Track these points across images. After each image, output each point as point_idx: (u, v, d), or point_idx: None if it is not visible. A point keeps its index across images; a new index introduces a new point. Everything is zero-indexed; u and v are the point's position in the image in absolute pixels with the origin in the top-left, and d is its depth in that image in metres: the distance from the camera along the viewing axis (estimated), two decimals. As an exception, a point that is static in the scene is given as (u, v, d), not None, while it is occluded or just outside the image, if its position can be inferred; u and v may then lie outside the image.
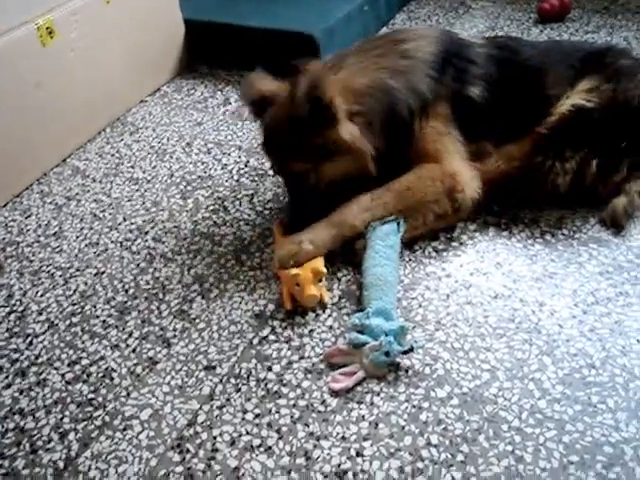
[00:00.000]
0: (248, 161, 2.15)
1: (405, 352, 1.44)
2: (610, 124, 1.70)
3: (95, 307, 1.72)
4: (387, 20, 2.75)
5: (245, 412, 1.42)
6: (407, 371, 1.45)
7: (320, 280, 1.59)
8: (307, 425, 1.38)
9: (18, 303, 1.77)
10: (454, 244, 1.75)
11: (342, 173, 1.65)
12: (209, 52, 2.65)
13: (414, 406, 1.38)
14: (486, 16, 2.77)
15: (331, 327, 1.57)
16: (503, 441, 1.30)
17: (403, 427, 1.35)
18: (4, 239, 1.98)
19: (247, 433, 1.38)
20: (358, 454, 1.31)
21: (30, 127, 2.10)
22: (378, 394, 1.42)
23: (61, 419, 1.47)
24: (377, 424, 1.36)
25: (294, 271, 1.56)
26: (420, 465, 1.28)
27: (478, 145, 1.73)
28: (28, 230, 2.01)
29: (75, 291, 1.78)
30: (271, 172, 1.98)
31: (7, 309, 1.76)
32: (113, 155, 2.27)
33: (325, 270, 1.59)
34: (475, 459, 1.28)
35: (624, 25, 2.63)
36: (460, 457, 1.28)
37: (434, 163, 1.67)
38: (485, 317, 1.56)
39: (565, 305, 1.56)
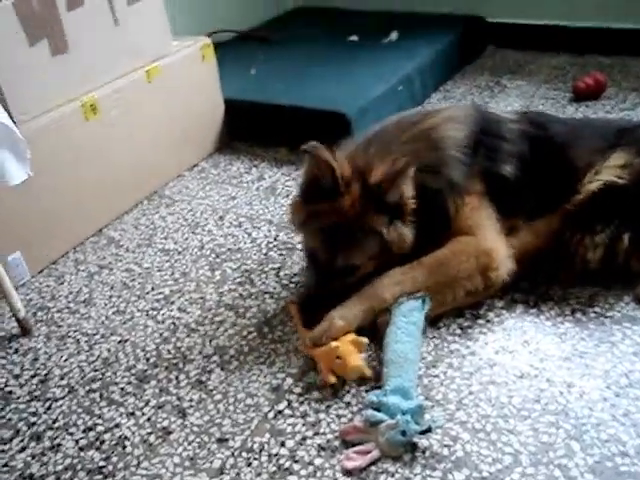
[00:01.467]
0: (277, 235, 2.17)
1: (423, 432, 1.37)
2: (643, 199, 1.66)
3: (116, 374, 1.72)
4: (422, 100, 2.80)
5: (254, 489, 1.38)
6: (424, 452, 1.38)
7: (361, 352, 1.56)
8: (315, 508, 1.32)
9: (42, 367, 1.79)
10: (480, 321, 1.70)
11: (385, 262, 1.65)
12: (247, 130, 2.73)
13: (432, 488, 1.31)
14: (521, 95, 2.78)
15: (349, 403, 1.52)
16: (524, 533, 1.22)
17: (417, 514, 1.28)
18: (36, 304, 2.02)
19: (251, 515, 1.33)
20: (369, 540, 1.24)
21: (69, 198, 2.19)
22: (393, 475, 1.35)
23: (69, 486, 1.46)
24: (391, 507, 1.29)
25: (334, 344, 1.53)
26: None
27: (509, 221, 1.71)
28: (60, 296, 2.05)
29: (98, 357, 1.79)
30: (303, 251, 1.91)
31: (31, 372, 1.78)
32: (147, 227, 2.32)
33: (367, 340, 1.56)
34: None
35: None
36: None
37: (469, 236, 1.65)
38: (509, 397, 1.48)
39: (596, 387, 1.47)
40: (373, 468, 1.37)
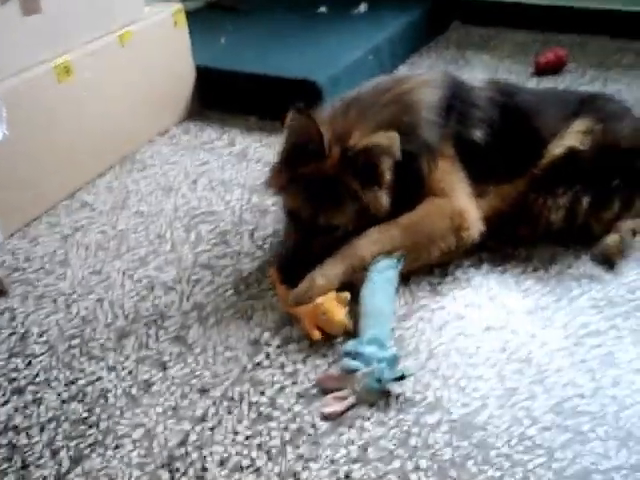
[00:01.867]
0: (250, 198, 2.21)
1: (396, 379, 1.46)
2: (601, 164, 1.77)
3: (95, 331, 1.76)
4: (390, 71, 2.85)
5: (236, 434, 1.43)
6: (397, 397, 1.46)
7: (344, 307, 1.61)
8: (297, 447, 1.38)
9: (20, 325, 1.81)
10: (448, 278, 1.78)
11: (362, 223, 1.70)
12: (218, 97, 2.75)
13: (403, 431, 1.39)
14: (485, 68, 2.86)
15: (325, 354, 1.59)
16: (492, 467, 1.30)
17: (392, 451, 1.36)
18: (11, 265, 2.03)
19: (237, 454, 1.39)
20: (347, 477, 1.32)
21: (41, 161, 2.18)
22: (368, 419, 1.43)
23: (54, 436, 1.49)
24: (366, 448, 1.37)
25: (319, 300, 1.59)
26: (408, 491, 1.28)
27: (479, 185, 1.78)
28: (34, 257, 2.06)
29: (76, 315, 1.82)
30: (283, 214, 1.92)
31: (9, 330, 1.80)
32: (121, 190, 2.34)
33: (349, 295, 1.62)
34: (463, 484, 1.28)
35: (617, 79, 2.72)
36: (447, 482, 1.29)
37: (442, 198, 1.73)
38: (477, 347, 1.57)
39: (556, 337, 1.58)
40: (349, 413, 1.44)
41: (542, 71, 2.72)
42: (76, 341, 1.73)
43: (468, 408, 1.43)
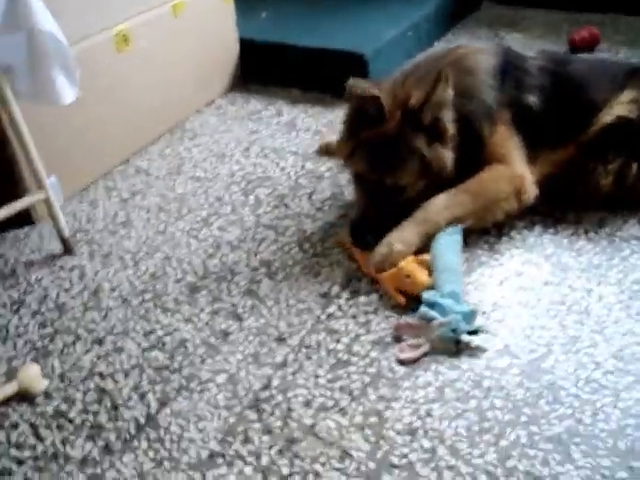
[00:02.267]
0: (304, 165, 2.29)
1: (471, 332, 1.55)
2: (650, 132, 1.86)
3: (166, 286, 1.84)
4: (427, 47, 2.92)
5: (317, 377, 1.52)
6: (467, 345, 1.56)
7: (425, 269, 1.68)
8: (377, 389, 1.48)
9: (91, 281, 1.89)
10: (504, 239, 1.87)
11: (428, 186, 1.78)
12: (261, 70, 2.81)
13: (477, 374, 1.48)
14: (520, 46, 2.92)
15: (394, 307, 1.68)
16: (563, 405, 1.40)
17: (468, 392, 1.45)
18: (74, 227, 2.10)
19: (320, 395, 1.48)
20: (428, 414, 1.41)
21: (99, 127, 2.25)
22: (442, 363, 1.52)
23: (139, 382, 1.57)
24: (443, 389, 1.46)
25: (402, 264, 1.67)
26: (486, 425, 1.37)
27: (533, 149, 1.87)
28: (96, 219, 2.13)
29: (145, 272, 1.90)
30: (351, 182, 2.01)
31: (80, 286, 1.88)
32: (174, 157, 2.41)
33: (429, 257, 1.70)
34: (537, 420, 1.37)
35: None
36: (523, 418, 1.38)
37: (502, 164, 1.81)
38: (538, 300, 1.67)
39: (612, 292, 1.67)
40: (425, 359, 1.54)
41: (576, 49, 2.79)
42: (149, 295, 1.81)
43: (535, 354, 1.52)
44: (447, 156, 1.77)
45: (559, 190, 1.91)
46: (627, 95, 1.90)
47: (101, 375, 1.59)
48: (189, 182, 2.26)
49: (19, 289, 1.89)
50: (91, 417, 1.49)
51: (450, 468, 1.30)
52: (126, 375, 1.59)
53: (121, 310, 1.77)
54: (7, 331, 1.76)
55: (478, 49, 1.93)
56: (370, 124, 1.77)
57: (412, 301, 1.66)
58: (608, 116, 1.88)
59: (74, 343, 1.69)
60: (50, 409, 1.52)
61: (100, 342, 1.69)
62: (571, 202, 1.94)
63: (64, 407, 1.52)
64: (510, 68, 1.89)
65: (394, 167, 1.75)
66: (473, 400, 1.43)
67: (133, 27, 2.27)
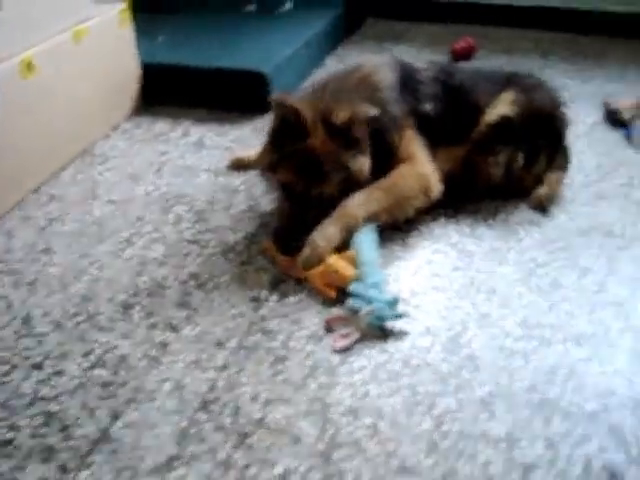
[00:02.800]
0: (217, 180, 2.38)
1: (395, 317, 1.70)
2: (528, 126, 2.12)
3: (98, 306, 1.86)
4: (320, 63, 3.11)
5: (259, 375, 1.61)
6: (392, 329, 1.71)
7: (351, 263, 1.81)
8: (317, 378, 1.59)
9: (20, 310, 1.87)
10: (414, 232, 2.06)
11: (347, 190, 1.92)
12: (164, 92, 2.88)
13: (404, 355, 1.63)
14: (406, 58, 3.16)
15: (324, 302, 1.81)
16: (482, 372, 1.57)
17: (398, 371, 1.59)
18: (-8, 259, 2.09)
19: (265, 390, 1.56)
20: (365, 395, 1.54)
21: (6, 155, 2.23)
22: (373, 348, 1.66)
23: (86, 400, 1.58)
24: (376, 371, 1.60)
25: (330, 260, 1.80)
26: (419, 397, 1.52)
27: (434, 149, 2.07)
28: (14, 249, 2.11)
29: (75, 295, 1.90)
30: (266, 193, 2.18)
31: (9, 316, 1.85)
32: (87, 182, 2.42)
33: (354, 252, 1.83)
34: (462, 387, 1.54)
35: (520, 62, 3.13)
36: (450, 388, 1.54)
37: (411, 164, 2.00)
38: (449, 284, 1.85)
39: (512, 271, 1.89)
40: (356, 346, 1.67)
41: (457, 57, 3.07)
42: (82, 317, 1.83)
43: (453, 331, 1.70)
44: (366, 165, 1.93)
45: (458, 184, 2.11)
46: (507, 97, 2.15)
47: (45, 399, 1.60)
48: (106, 205, 2.29)
49: (-59, 326, 1.86)
50: (41, 441, 1.50)
51: (392, 439, 1.43)
52: (71, 396, 1.60)
53: (56, 334, 1.78)
54: None
55: (379, 65, 2.11)
56: (293, 137, 1.89)
57: (341, 294, 1.79)
58: (492, 116, 2.12)
59: (11, 372, 1.68)
60: (-4, 439, 1.53)
61: (39, 367, 1.69)
62: (469, 194, 2.16)
63: (10, 435, 1.52)
64: (408, 81, 2.09)
65: (320, 179, 1.88)
66: (404, 378, 1.57)
67: (36, 54, 2.28)
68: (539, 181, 2.15)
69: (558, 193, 2.18)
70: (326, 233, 1.87)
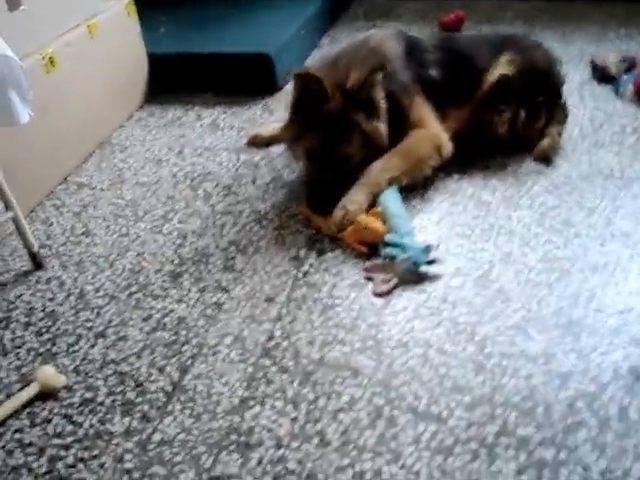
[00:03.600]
0: (239, 158, 2.52)
1: (429, 263, 1.87)
2: (527, 84, 2.29)
3: (148, 277, 1.99)
4: (317, 44, 3.25)
5: (312, 322, 1.76)
6: (427, 273, 1.87)
7: (379, 219, 1.97)
8: (365, 320, 1.75)
9: (73, 288, 1.99)
10: (431, 188, 2.22)
11: (370, 154, 2.09)
12: (170, 81, 3.00)
13: (441, 293, 1.80)
14: (397, 33, 3.36)
15: (357, 257, 1.96)
16: (513, 302, 1.75)
17: (438, 307, 1.76)
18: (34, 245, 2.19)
19: (319, 334, 1.72)
20: (412, 329, 1.70)
21: (33, 148, 2.32)
22: (412, 290, 1.82)
23: (153, 359, 1.72)
24: (418, 309, 1.76)
25: (359, 218, 1.96)
26: (460, 328, 1.69)
27: (442, 111, 2.24)
28: (55, 235, 2.23)
29: (124, 270, 2.03)
30: (295, 162, 2.34)
31: (64, 294, 1.97)
32: (112, 169, 2.55)
33: (380, 209, 2.00)
34: (498, 316, 1.71)
35: (506, 30, 3.26)
36: (486, 318, 1.71)
37: (422, 128, 2.16)
38: (471, 231, 2.02)
39: (526, 215, 2.07)
40: (396, 290, 1.83)
41: (446, 30, 3.23)
42: (134, 288, 1.96)
43: (481, 270, 1.87)
44: (382, 128, 2.09)
45: (467, 142, 2.28)
46: (505, 57, 2.32)
47: (114, 362, 1.73)
48: (135, 188, 2.41)
49: (1, 308, 1.97)
50: (119, 397, 1.64)
51: (442, 364, 1.60)
52: (139, 357, 1.73)
53: (112, 306, 1.91)
54: (3, 346, 1.84)
55: (386, 36, 2.27)
56: (315, 105, 2.05)
57: (373, 249, 1.96)
58: (493, 76, 2.30)
59: (77, 342, 1.81)
60: (77, 399, 1.63)
61: (103, 335, 1.81)
62: (478, 151, 2.33)
63: (89, 395, 1.64)
64: (412, 50, 2.26)
65: (341, 140, 2.04)
66: (444, 312, 1.74)
67: (57, 50, 2.39)
68: (541, 135, 2.33)
69: (559, 144, 2.36)
70: (354, 198, 2.03)
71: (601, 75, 2.81)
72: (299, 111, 2.10)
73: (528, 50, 2.36)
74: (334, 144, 2.05)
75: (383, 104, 2.08)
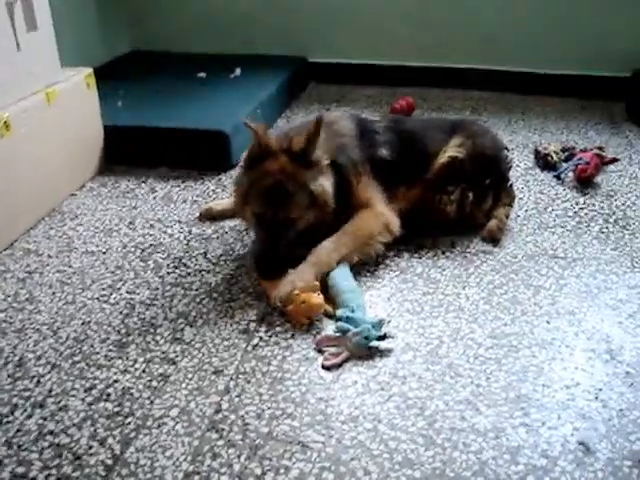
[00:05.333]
0: (191, 230, 2.52)
1: (380, 338, 1.86)
2: (476, 167, 2.40)
3: (93, 346, 1.93)
4: (271, 123, 3.34)
5: (261, 395, 1.73)
6: (377, 348, 1.87)
7: (317, 292, 1.97)
8: (315, 394, 1.72)
9: (12, 355, 1.91)
10: (382, 266, 2.25)
11: (314, 221, 2.12)
12: (127, 153, 3.02)
13: (391, 368, 1.80)
14: (349, 117, 3.49)
15: (307, 330, 1.96)
16: (463, 377, 1.76)
17: (388, 382, 1.75)
18: (-25, 311, 2.11)
19: (269, 408, 1.68)
20: (362, 404, 1.68)
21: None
22: (362, 365, 1.82)
23: (94, 430, 1.65)
24: (368, 384, 1.75)
25: (295, 292, 1.96)
26: (410, 402, 1.68)
27: (392, 190, 2.31)
28: (-3, 301, 2.16)
29: (67, 338, 1.97)
30: (245, 224, 2.38)
31: (1, 361, 1.89)
32: (61, 237, 2.50)
33: (317, 283, 2.01)
34: (447, 391, 1.71)
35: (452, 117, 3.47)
36: (436, 392, 1.71)
37: (369, 208, 2.22)
38: (421, 306, 2.05)
39: (475, 292, 2.11)
40: (346, 364, 1.82)
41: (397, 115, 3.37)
42: (78, 357, 1.89)
43: (431, 345, 1.88)
44: (328, 187, 2.13)
45: (417, 221, 2.34)
46: (455, 141, 2.44)
47: (52, 433, 1.64)
48: (84, 256, 2.37)
49: None
50: (54, 471, 1.55)
51: (392, 439, 1.58)
52: (79, 428, 1.65)
53: (53, 375, 1.83)
54: None
55: (340, 116, 2.37)
56: (260, 163, 2.10)
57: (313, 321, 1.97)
58: (443, 158, 2.39)
59: (12, 412, 1.72)
60: (6, 474, 1.54)
61: (41, 405, 1.73)
62: (427, 230, 2.39)
63: (21, 470, 1.55)
64: (364, 130, 2.35)
65: (285, 202, 2.07)
66: (394, 387, 1.73)
67: (13, 114, 2.39)
68: (489, 216, 2.43)
69: (506, 226, 2.45)
70: (302, 276, 2.03)
71: (544, 162, 2.97)
72: (250, 164, 2.15)
73: (477, 135, 2.48)
74: (278, 206, 2.07)
75: (327, 161, 2.13)
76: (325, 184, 2.13)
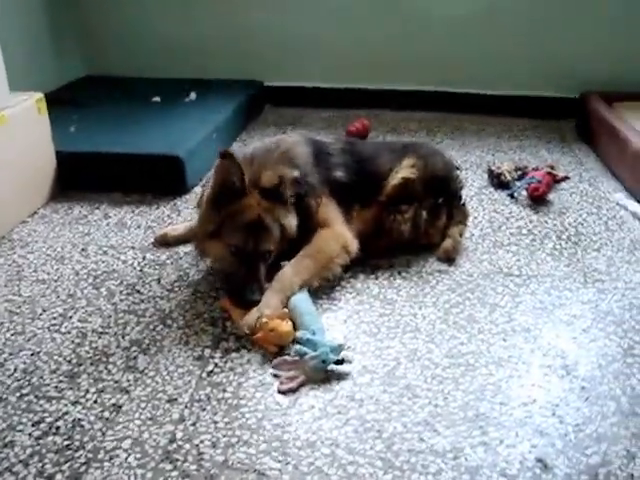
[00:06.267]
0: (145, 256, 2.47)
1: (338, 362, 1.85)
2: (428, 186, 2.42)
3: (42, 378, 1.87)
4: (228, 147, 3.31)
5: (216, 423, 1.69)
6: (334, 371, 1.85)
7: (285, 320, 1.96)
8: (271, 420, 1.69)
9: (-46, 390, 1.85)
10: (338, 288, 2.24)
11: (281, 246, 2.15)
12: (80, 178, 2.96)
13: (348, 391, 1.78)
14: (306, 140, 3.50)
15: (264, 355, 1.93)
16: (420, 398, 1.75)
17: (345, 405, 1.73)
18: None
19: (224, 436, 1.65)
20: (319, 429, 1.66)
21: None
22: (318, 389, 1.79)
23: (42, 466, 1.59)
24: (325, 408, 1.73)
25: (263, 320, 1.93)
26: (368, 425, 1.66)
27: (348, 212, 2.32)
28: (-60, 333, 2.08)
29: (15, 370, 1.90)
30: (202, 260, 2.37)
31: (-57, 397, 1.83)
32: (10, 265, 2.43)
33: (287, 310, 2.00)
34: (405, 412, 1.70)
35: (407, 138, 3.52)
36: (394, 414, 1.70)
37: (327, 227, 2.23)
38: (377, 328, 2.04)
39: (431, 312, 2.12)
40: (303, 389, 1.80)
41: (353, 137, 3.39)
42: (26, 390, 1.83)
43: (388, 367, 1.87)
44: (294, 222, 2.17)
45: (372, 242, 2.34)
46: (407, 162, 2.46)
47: (-5, 471, 1.59)
48: (34, 285, 2.30)
49: None
50: (-1, 514, 1.50)
51: (351, 463, 1.56)
52: (25, 465, 1.59)
53: (0, 409, 1.78)
54: None
55: (295, 142, 2.37)
56: (232, 198, 2.08)
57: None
58: (396, 179, 2.41)
59: (-46, 452, 1.66)
60: (-53, 519, 1.49)
61: (-15, 442, 1.68)
62: (383, 251, 2.39)
63: (-38, 512, 1.50)
64: (320, 153, 2.36)
65: (264, 235, 2.09)
66: (352, 410, 1.72)
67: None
68: (443, 235, 2.44)
69: (461, 245, 2.47)
70: (269, 303, 2.03)
71: (497, 182, 3.01)
72: (215, 204, 2.12)
73: (428, 156, 2.51)
74: (259, 240, 2.09)
75: (292, 201, 2.15)
76: (292, 221, 2.16)
